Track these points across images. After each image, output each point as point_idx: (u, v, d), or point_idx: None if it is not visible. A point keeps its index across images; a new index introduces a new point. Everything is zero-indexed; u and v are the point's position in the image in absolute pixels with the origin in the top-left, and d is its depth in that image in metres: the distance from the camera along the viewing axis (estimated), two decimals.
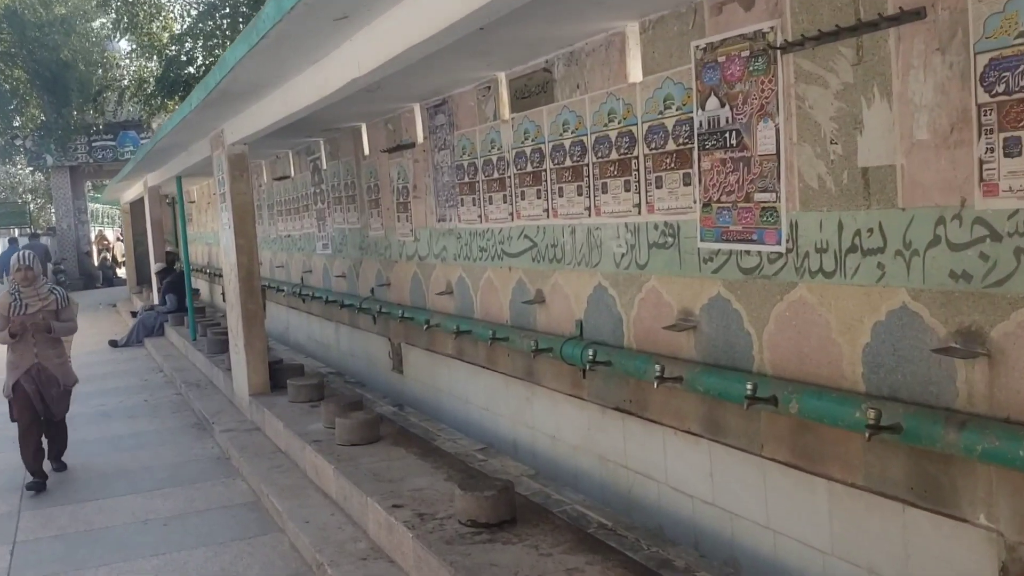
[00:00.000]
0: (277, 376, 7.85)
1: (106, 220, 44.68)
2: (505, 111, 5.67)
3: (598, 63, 4.67)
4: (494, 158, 5.86)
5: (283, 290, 11.34)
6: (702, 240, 4.03)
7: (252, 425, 7.44)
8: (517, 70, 5.46)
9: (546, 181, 5.29)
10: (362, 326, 8.89)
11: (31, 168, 35.00)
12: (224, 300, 17.12)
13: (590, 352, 4.74)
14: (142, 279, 21.50)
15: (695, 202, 4.05)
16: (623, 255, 4.63)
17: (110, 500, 6.15)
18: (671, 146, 4.21)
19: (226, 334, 10.83)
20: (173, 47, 16.61)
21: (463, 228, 6.44)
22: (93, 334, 15.98)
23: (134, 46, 20.18)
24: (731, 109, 3.78)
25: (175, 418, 8.53)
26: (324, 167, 9.65)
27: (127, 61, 27.46)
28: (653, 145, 4.33)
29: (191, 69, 16.25)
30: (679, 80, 4.10)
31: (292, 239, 11.40)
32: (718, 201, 3.91)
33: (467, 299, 6.49)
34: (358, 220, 8.73)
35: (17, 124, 29.42)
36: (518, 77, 5.46)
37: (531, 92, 5.34)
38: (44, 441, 6.77)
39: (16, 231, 30.85)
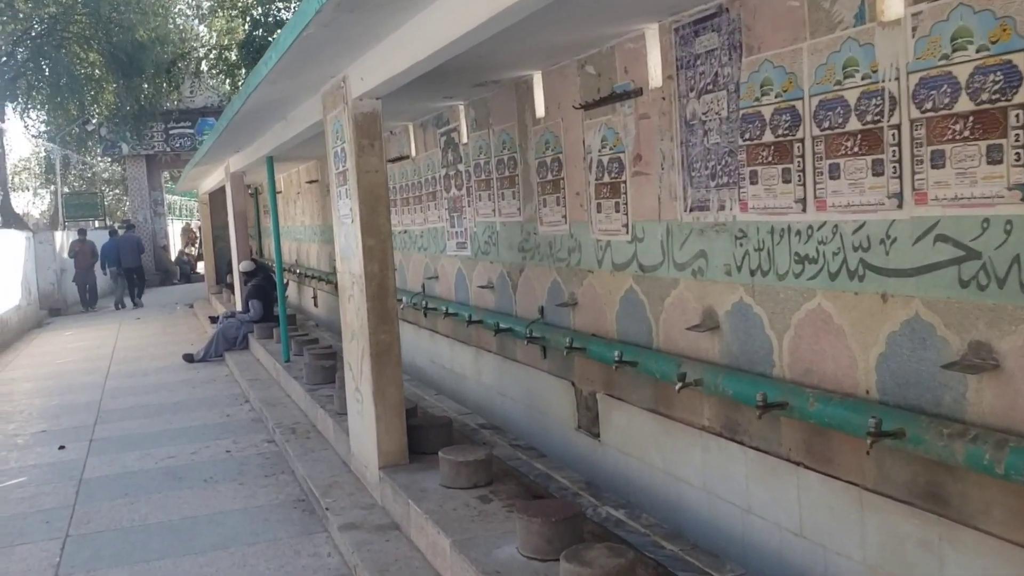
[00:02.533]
0: (415, 435, 5.38)
1: (184, 213, 43.31)
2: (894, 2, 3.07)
3: None
4: (852, 95, 3.26)
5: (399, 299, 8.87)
6: None
7: (386, 518, 4.97)
8: None
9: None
10: (523, 359, 6.37)
11: (107, 158, 33.55)
12: (315, 304, 14.88)
13: None
14: (222, 278, 19.46)
15: None
16: None
17: None
18: None
19: (329, 356, 8.45)
20: (259, 8, 14.31)
21: (751, 222, 3.86)
22: (167, 343, 13.86)
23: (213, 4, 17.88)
24: None
25: (270, 490, 6.11)
26: (463, 140, 7.16)
27: (205, 30, 25.50)
28: None
29: (280, 32, 14.02)
30: None
31: (410, 236, 8.95)
32: None
33: (754, 342, 3.91)
34: (518, 210, 6.22)
35: (93, 111, 27.84)
36: None
37: None
38: None
39: (95, 223, 29.31)
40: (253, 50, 14.18)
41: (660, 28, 4.39)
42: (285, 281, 12.90)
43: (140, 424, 8.38)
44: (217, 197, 19.83)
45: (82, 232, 21.49)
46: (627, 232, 4.82)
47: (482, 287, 6.98)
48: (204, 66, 18.17)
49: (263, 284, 12.12)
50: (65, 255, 20.95)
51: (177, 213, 40.53)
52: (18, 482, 6.74)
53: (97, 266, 20.96)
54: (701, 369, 4.13)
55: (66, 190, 31.59)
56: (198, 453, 7.16)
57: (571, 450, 5.66)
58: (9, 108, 28.22)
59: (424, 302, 8.10)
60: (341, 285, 5.82)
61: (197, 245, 23.19)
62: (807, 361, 3.61)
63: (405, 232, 9.02)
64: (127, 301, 21.05)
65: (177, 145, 29.32)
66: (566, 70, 5.35)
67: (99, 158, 35.58)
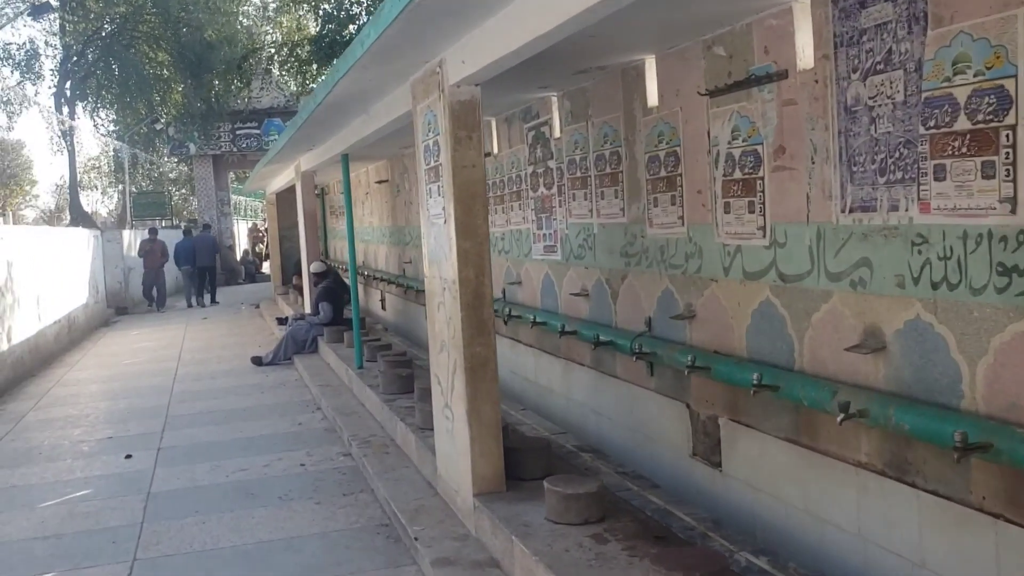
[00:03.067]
0: (511, 458, 4.84)
1: (248, 213, 43.58)
2: None
3: None
4: None
5: None
6: None
7: (483, 553, 4.44)
8: None
9: None
10: (624, 375, 5.80)
11: (174, 158, 33.77)
12: (383, 307, 14.44)
13: None
14: (288, 279, 19.23)
15: None
16: None
17: None
18: None
19: (404, 363, 7.98)
20: (330, 1, 13.94)
21: (935, 225, 3.24)
22: (234, 345, 13.58)
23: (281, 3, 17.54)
24: None
25: (350, 511, 5.62)
26: (555, 135, 6.61)
27: (272, 28, 25.35)
28: None
29: (352, 28, 13.60)
30: None
31: (489, 237, 8.41)
32: None
33: (935, 367, 3.28)
34: (621, 211, 5.65)
35: (161, 111, 27.97)
36: None
37: None
38: None
39: (161, 222, 29.50)
40: (324, 46, 13.80)
41: (813, 1, 3.79)
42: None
43: (209, 432, 8.00)
44: (284, 197, 19.62)
45: (153, 231, 21.45)
46: (764, 236, 4.23)
47: (575, 295, 6.42)
48: (275, 63, 17.83)
49: (333, 286, 11.73)
50: (133, 254, 20.92)
51: (242, 213, 40.76)
52: (83, 494, 6.37)
53: (167, 265, 20.91)
54: (863, 397, 3.52)
55: (133, 189, 31.84)
56: (271, 466, 6.73)
57: (686, 480, 5.07)
58: (80, 107, 28.55)
59: (506, 309, 7.57)
60: (429, 291, 5.31)
61: (264, 245, 23.03)
62: (1013, 394, 2.99)
63: None
64: (202, 299, 21.27)
65: (244, 145, 29.31)
66: (687, 53, 4.77)
67: (166, 158, 35.92)
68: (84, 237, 17.88)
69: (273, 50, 18.08)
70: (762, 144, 4.20)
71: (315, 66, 14.85)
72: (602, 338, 5.70)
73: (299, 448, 7.21)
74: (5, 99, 25.75)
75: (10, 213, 44.50)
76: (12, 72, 26.37)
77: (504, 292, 7.98)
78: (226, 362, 12.08)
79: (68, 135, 24.83)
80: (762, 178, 4.22)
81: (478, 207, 4.64)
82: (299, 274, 14.66)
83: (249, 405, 9.07)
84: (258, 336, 14.77)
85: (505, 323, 7.76)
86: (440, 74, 4.65)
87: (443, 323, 5.01)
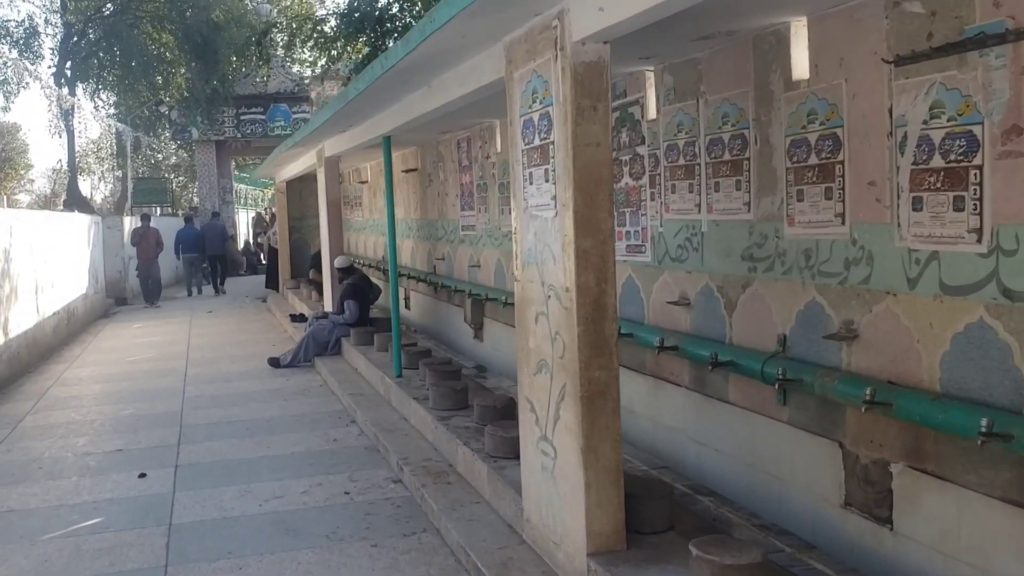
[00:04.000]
0: (627, 506, 3.93)
1: (249, 202, 42.54)
2: None
3: None
4: None
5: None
6: None
7: None
8: None
9: None
10: (739, 401, 4.89)
11: (176, 143, 32.74)
12: (407, 306, 13.38)
13: None
14: (298, 272, 18.29)
15: None
16: None
17: None
18: None
19: (453, 374, 7.08)
20: None
21: None
22: (245, 343, 12.66)
23: None
24: None
25: (415, 558, 4.69)
26: (649, 116, 5.69)
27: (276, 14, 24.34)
28: None
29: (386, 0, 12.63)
30: None
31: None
32: None
33: None
34: (745, 205, 4.73)
35: (164, 94, 26.95)
36: None
37: None
38: None
39: (157, 210, 28.50)
40: (355, 20, 12.83)
41: None
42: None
43: (232, 446, 7.09)
44: (295, 186, 18.68)
45: (145, 218, 19.59)
46: (978, 240, 3.32)
47: (671, 303, 5.50)
48: (297, 39, 16.84)
49: (360, 283, 10.81)
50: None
51: (242, 202, 39.72)
52: (93, 524, 5.45)
53: (163, 256, 19.89)
54: None
55: (133, 175, 30.79)
56: (310, 494, 5.81)
57: (834, 535, 4.16)
58: (80, 89, 27.51)
59: None
60: (522, 299, 4.39)
61: (267, 236, 22.06)
62: None
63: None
64: (214, 286, 20.92)
65: (248, 131, 28.33)
66: (859, 12, 3.86)
67: (167, 143, 34.90)
68: (85, 223, 16.90)
69: (295, 25, 17.03)
70: (982, 124, 3.29)
71: (340, 42, 13.87)
72: (720, 357, 4.78)
73: (339, 471, 6.30)
74: (2, 78, 24.66)
75: (4, 197, 43.40)
76: (10, 50, 25.31)
77: None
78: (240, 362, 11.14)
79: (69, 114, 23.77)
80: (979, 167, 3.31)
81: (602, 197, 3.73)
82: (317, 268, 13.73)
83: (273, 415, 8.15)
84: (269, 334, 13.84)
85: None
86: (558, 29, 3.73)
87: (544, 338, 4.09)
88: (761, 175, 4.60)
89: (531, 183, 4.17)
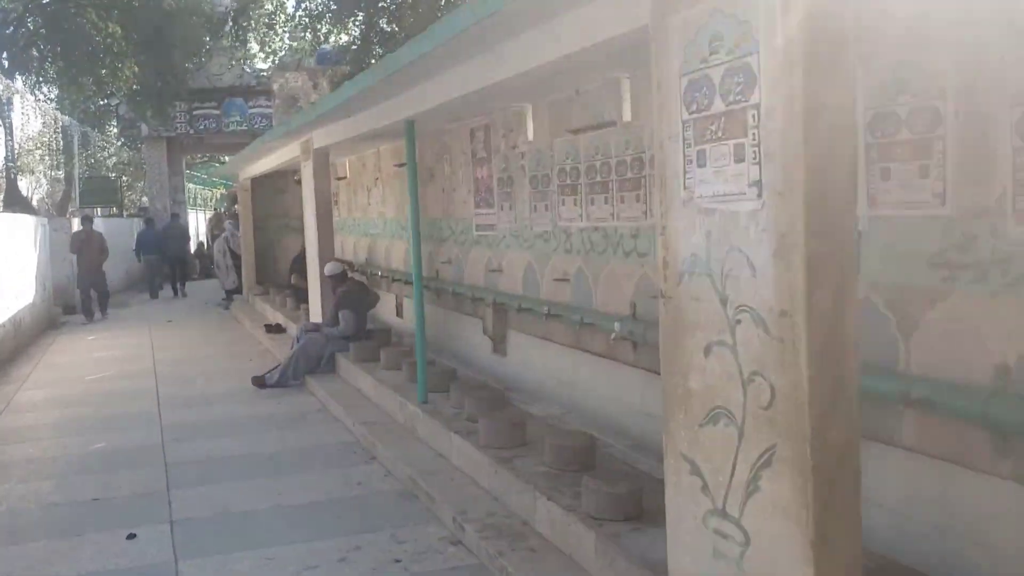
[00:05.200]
0: None
1: (199, 202, 40.68)
2: None
3: None
4: None
5: (598, 325, 6.29)
6: None
7: None
8: None
9: None
10: (942, 453, 3.85)
11: (120, 140, 30.86)
12: (398, 314, 12.09)
13: None
14: (265, 277, 16.97)
15: None
16: None
17: None
18: None
19: (499, 401, 5.97)
20: None
21: None
22: (217, 356, 11.38)
23: None
24: None
25: None
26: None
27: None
28: None
29: None
30: None
31: (605, 235, 6.42)
32: None
33: None
34: (937, 197, 3.69)
35: (111, 87, 25.22)
36: None
37: None
38: None
39: (97, 211, 26.74)
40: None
41: None
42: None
43: (234, 492, 5.87)
44: (260, 184, 17.31)
45: (87, 220, 17.09)
46: None
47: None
48: (278, 18, 15.49)
49: (355, 291, 9.62)
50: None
51: (192, 202, 37.87)
52: None
53: (116, 261, 18.31)
54: None
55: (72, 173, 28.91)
56: (350, 562, 4.63)
57: None
58: (20, 82, 25.63)
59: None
60: (675, 321, 3.28)
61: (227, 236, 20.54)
62: None
63: (596, 230, 6.48)
64: (175, 289, 20.39)
65: (201, 127, 26.73)
66: None
67: (110, 139, 33.02)
68: (29, 225, 15.30)
69: (276, 4, 15.69)
70: None
71: (327, 18, 12.55)
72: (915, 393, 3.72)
73: (376, 526, 5.12)
74: None
75: None
76: None
77: (633, 308, 5.98)
78: (217, 380, 9.85)
79: (6, 107, 22.00)
80: None
81: (844, 181, 2.65)
82: (300, 272, 12.47)
83: (274, 449, 6.93)
84: (242, 345, 12.53)
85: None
86: None
87: (724, 379, 2.99)
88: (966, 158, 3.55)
89: (704, 165, 3.06)
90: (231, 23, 16.41)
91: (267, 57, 20.84)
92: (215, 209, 37.72)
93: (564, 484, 4.65)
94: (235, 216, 29.00)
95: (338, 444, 6.99)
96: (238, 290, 17.97)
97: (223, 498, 5.75)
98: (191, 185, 37.32)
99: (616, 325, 5.84)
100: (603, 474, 4.46)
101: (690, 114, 3.14)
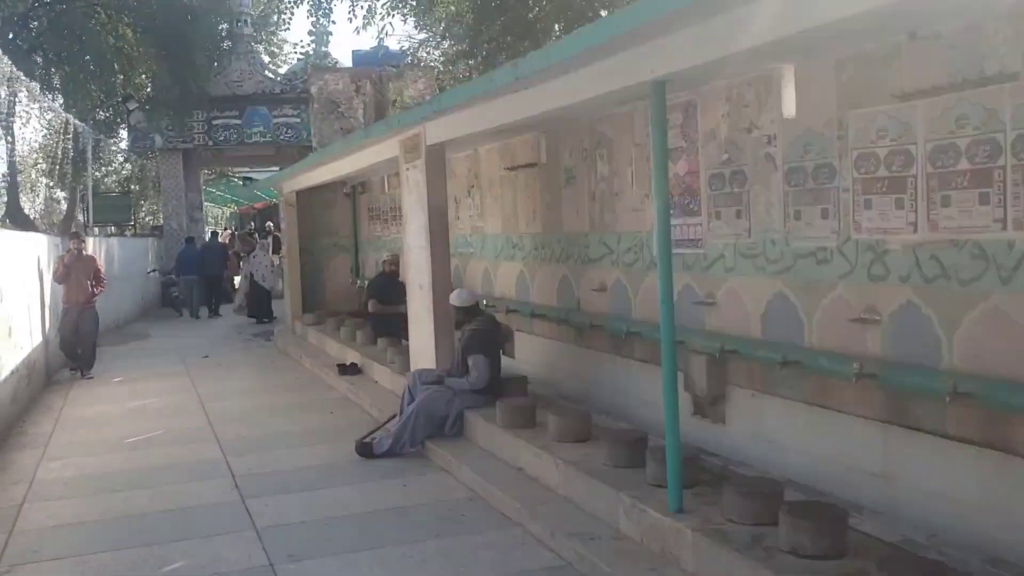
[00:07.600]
0: None
1: (209, 220, 38.29)
2: None
3: None
4: None
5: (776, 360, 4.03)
6: None
7: None
8: None
9: None
10: None
11: (132, 152, 28.45)
12: (512, 353, 9.38)
13: None
14: (316, 304, 14.71)
15: None
16: None
17: None
18: None
19: (834, 518, 3.65)
20: None
21: None
22: (285, 407, 9.12)
23: None
24: None
25: None
26: None
27: None
28: None
29: None
30: None
31: (982, 248, 4.14)
32: None
33: None
34: None
35: (124, 94, 22.99)
36: None
37: None
38: None
39: (110, 229, 24.48)
40: None
41: None
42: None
43: None
44: (308, 197, 15.03)
45: (76, 238, 12.30)
46: None
47: None
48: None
49: (488, 329, 7.30)
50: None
51: (205, 220, 35.47)
52: None
53: (132, 285, 16.06)
54: None
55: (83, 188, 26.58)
56: None
57: None
58: (25, 90, 23.35)
59: None
60: None
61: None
62: None
63: (954, 244, 4.19)
64: (214, 310, 19.95)
65: (221, 138, 24.48)
66: None
67: (118, 152, 30.69)
68: (39, 247, 12.80)
69: None
70: None
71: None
72: None
73: None
74: None
75: None
76: None
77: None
78: (302, 445, 7.55)
79: (7, 115, 19.70)
80: None
81: None
82: (382, 299, 10.20)
83: (437, 569, 4.62)
84: (311, 392, 10.21)
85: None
86: None
87: None
88: None
89: None
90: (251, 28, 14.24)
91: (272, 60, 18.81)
92: (229, 229, 35.46)
93: None
94: (251, 236, 26.63)
95: (543, 571, 4.68)
96: (254, 313, 18.12)
97: None
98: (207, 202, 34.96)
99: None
100: None
101: None
